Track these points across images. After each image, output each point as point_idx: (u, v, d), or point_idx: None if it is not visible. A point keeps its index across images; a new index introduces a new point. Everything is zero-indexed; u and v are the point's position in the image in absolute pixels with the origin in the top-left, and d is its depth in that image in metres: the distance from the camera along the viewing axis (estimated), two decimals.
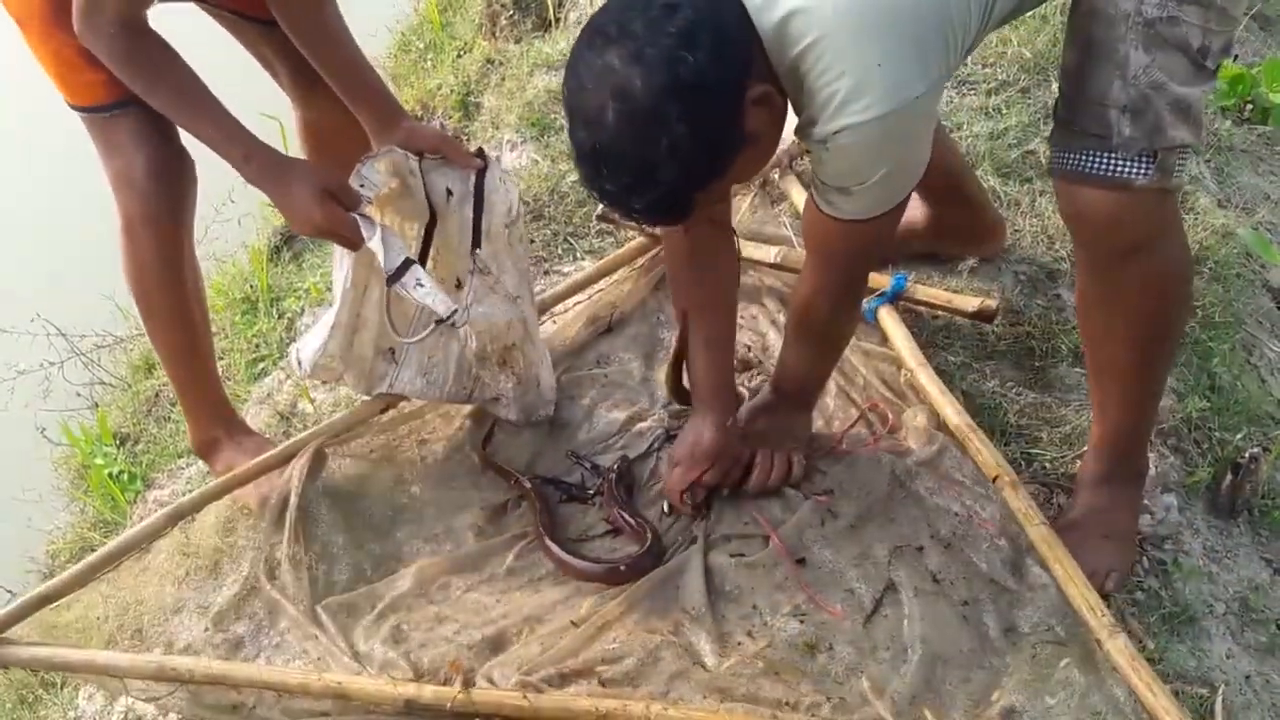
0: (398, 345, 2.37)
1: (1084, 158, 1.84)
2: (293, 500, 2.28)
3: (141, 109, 2.15)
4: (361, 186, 2.16)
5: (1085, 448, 2.29)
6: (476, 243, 2.29)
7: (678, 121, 1.64)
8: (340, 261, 2.27)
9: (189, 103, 2.06)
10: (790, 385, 2.28)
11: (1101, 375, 2.09)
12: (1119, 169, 1.81)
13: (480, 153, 2.30)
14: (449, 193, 2.30)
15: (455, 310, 2.14)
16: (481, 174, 2.29)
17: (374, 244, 2.09)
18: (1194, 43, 1.77)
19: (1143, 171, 1.80)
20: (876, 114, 1.67)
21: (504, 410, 2.45)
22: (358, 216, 2.10)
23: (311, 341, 2.34)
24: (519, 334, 2.34)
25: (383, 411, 2.50)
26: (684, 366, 2.36)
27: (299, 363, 2.37)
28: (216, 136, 2.05)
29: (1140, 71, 1.76)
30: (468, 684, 1.92)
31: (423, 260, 2.31)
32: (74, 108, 2.24)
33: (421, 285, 2.10)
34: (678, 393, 2.41)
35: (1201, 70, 1.80)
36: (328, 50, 2.30)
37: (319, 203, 2.05)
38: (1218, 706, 1.94)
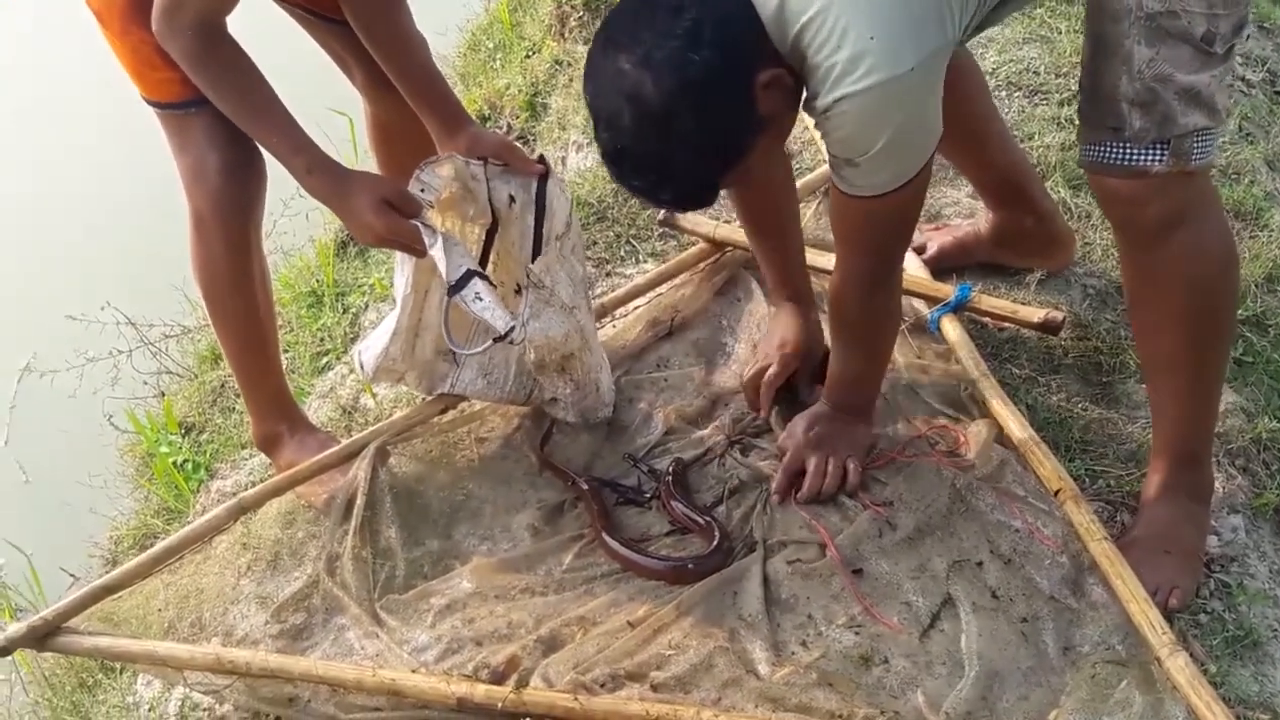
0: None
1: (1103, 149, 1.89)
2: (359, 500, 2.31)
3: (215, 107, 2.18)
4: (421, 191, 2.19)
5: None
6: (538, 250, 2.31)
7: (691, 119, 1.75)
8: (401, 265, 2.29)
9: (257, 111, 2.10)
10: (839, 390, 2.28)
11: (1153, 370, 2.09)
12: (1135, 158, 1.86)
13: (542, 160, 2.31)
14: (511, 199, 2.31)
15: (512, 327, 2.15)
16: (543, 182, 2.30)
17: (435, 252, 2.11)
18: (1197, 31, 1.80)
19: (1158, 159, 1.86)
20: (871, 83, 1.72)
21: (562, 412, 2.45)
22: (420, 225, 2.12)
23: (374, 345, 2.36)
24: (576, 343, 2.33)
25: (442, 412, 2.52)
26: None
27: (361, 365, 2.40)
28: (281, 146, 2.10)
29: (1145, 66, 1.81)
30: (522, 684, 1.93)
31: (483, 262, 2.33)
32: (149, 102, 2.28)
33: (481, 299, 2.12)
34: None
35: (1210, 56, 1.83)
36: (397, 54, 2.34)
37: (378, 213, 2.08)
38: None
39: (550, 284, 2.24)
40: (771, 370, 2.36)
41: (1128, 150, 1.86)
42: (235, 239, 2.33)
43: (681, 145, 1.77)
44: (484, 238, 2.36)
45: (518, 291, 2.33)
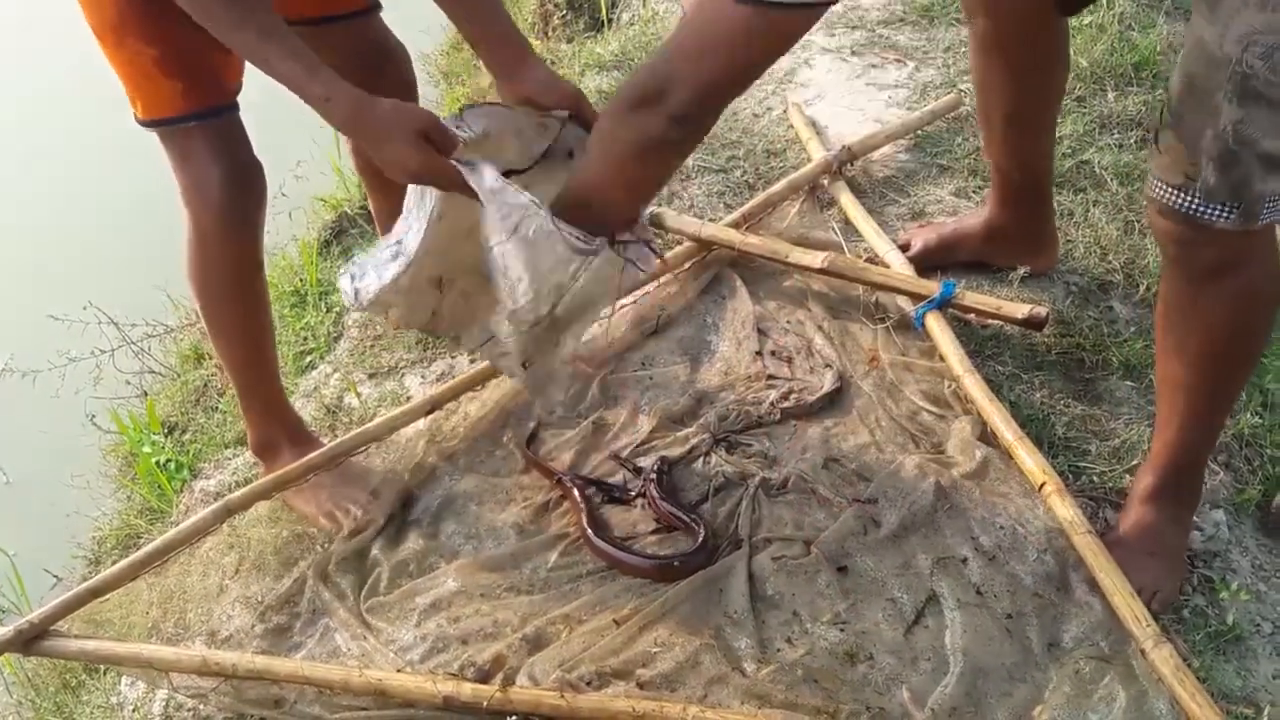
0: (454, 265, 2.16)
1: (1169, 192, 1.81)
2: (370, 534, 2.31)
3: (216, 120, 2.16)
4: (458, 129, 2.00)
5: (1135, 462, 2.27)
6: None
7: None
8: (423, 196, 2.08)
9: (262, 33, 1.91)
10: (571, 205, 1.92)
11: (1169, 390, 2.05)
12: (1203, 212, 1.78)
13: None
14: (570, 155, 2.14)
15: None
16: None
17: (487, 181, 1.92)
18: None
19: (1225, 216, 1.77)
20: None
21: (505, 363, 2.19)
22: (457, 163, 1.93)
23: (376, 276, 2.13)
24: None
25: (428, 413, 2.52)
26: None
27: (355, 294, 2.16)
28: (293, 72, 1.90)
29: (1231, 125, 1.70)
30: (508, 682, 1.93)
31: None
32: (147, 123, 2.19)
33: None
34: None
35: None
36: None
37: (417, 148, 1.91)
38: None
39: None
40: None
41: (1197, 202, 1.78)
42: (240, 254, 2.29)
43: None
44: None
45: None
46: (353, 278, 2.16)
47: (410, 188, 2.11)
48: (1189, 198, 1.78)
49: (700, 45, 1.70)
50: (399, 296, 2.14)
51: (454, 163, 1.93)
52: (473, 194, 1.92)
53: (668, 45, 1.76)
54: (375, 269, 2.13)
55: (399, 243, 2.11)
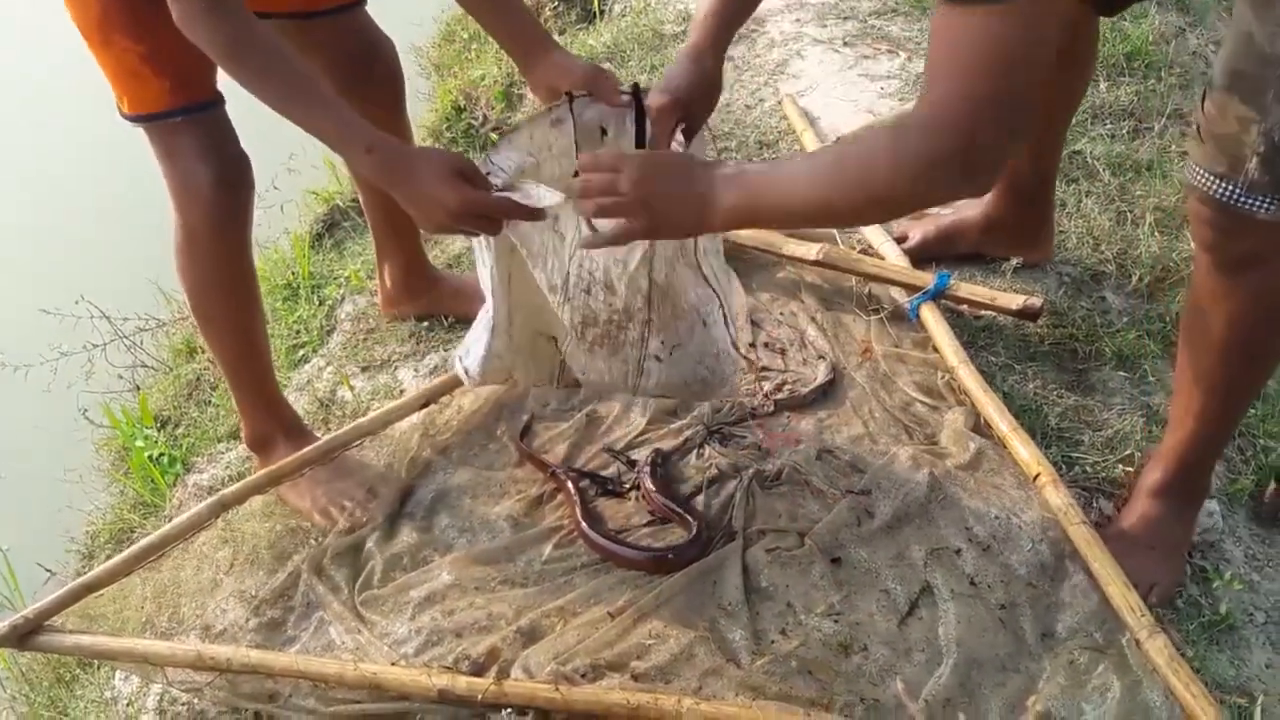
0: (559, 328, 2.17)
1: (1210, 180, 1.79)
2: (370, 545, 2.30)
3: (203, 115, 2.15)
4: (489, 174, 1.96)
5: (1127, 452, 2.28)
6: None
7: None
8: (482, 255, 2.09)
9: (299, 93, 1.90)
10: (752, 180, 1.71)
11: (1188, 383, 2.04)
12: (1243, 202, 1.76)
13: (635, 89, 2.08)
14: (603, 131, 2.12)
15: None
16: (641, 112, 2.07)
17: (538, 197, 1.87)
18: None
19: (1266, 207, 1.75)
20: None
21: (679, 379, 2.18)
22: (504, 193, 1.89)
23: (475, 348, 2.22)
24: (639, 254, 2.03)
25: (422, 406, 2.51)
26: None
27: (465, 372, 2.25)
28: (332, 127, 1.89)
29: (1278, 125, 1.69)
30: (503, 675, 1.93)
31: None
32: (133, 119, 2.18)
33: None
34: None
35: None
36: None
37: (453, 186, 1.84)
38: (1257, 716, 1.91)
39: None
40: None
41: (1237, 192, 1.75)
42: (230, 251, 2.28)
43: None
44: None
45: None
46: (460, 359, 2.24)
47: (476, 259, 2.11)
48: (1231, 187, 1.77)
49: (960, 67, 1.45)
50: (508, 358, 2.19)
51: (501, 192, 1.89)
52: (528, 214, 1.89)
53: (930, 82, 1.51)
54: (475, 343, 2.20)
55: (489, 312, 2.14)
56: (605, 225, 1.83)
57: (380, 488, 2.39)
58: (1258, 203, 1.76)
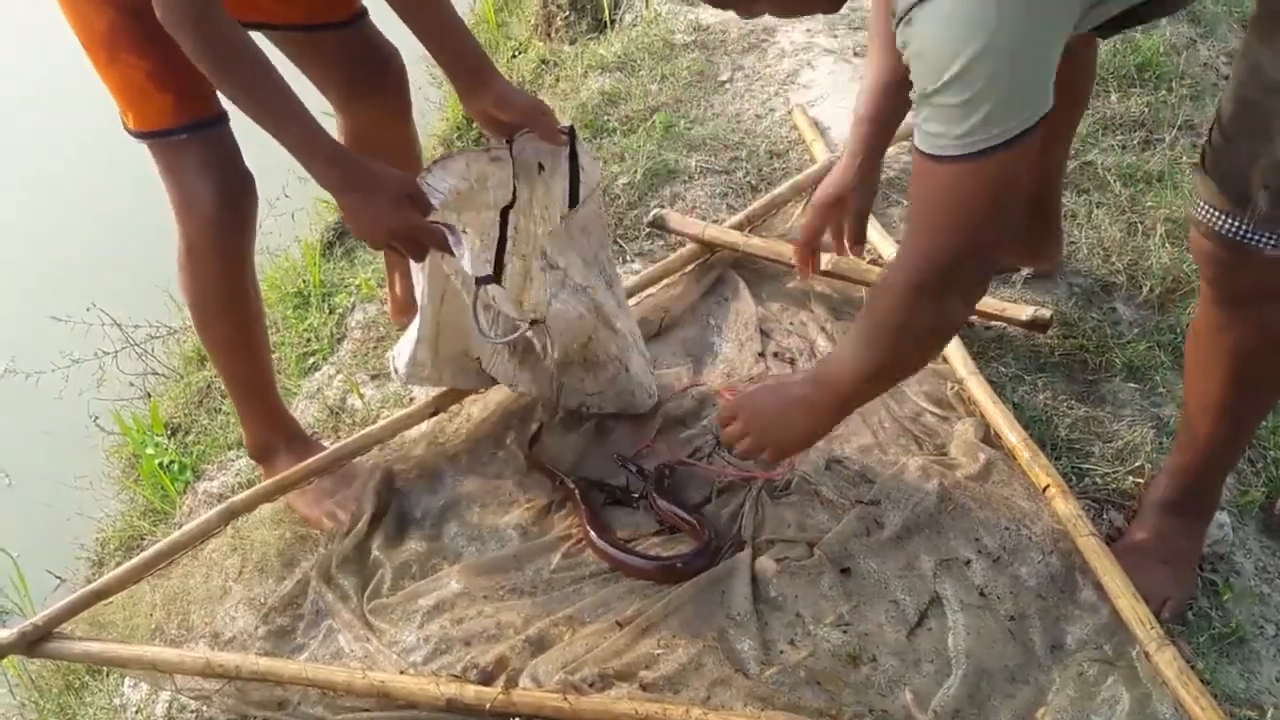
0: (483, 349, 2.37)
1: (1216, 215, 1.77)
2: (363, 524, 2.32)
3: (207, 133, 2.16)
4: (426, 192, 2.11)
5: (1137, 464, 2.27)
6: None
7: None
8: (419, 270, 2.22)
9: (274, 100, 1.96)
10: (819, 380, 1.95)
11: (1195, 408, 2.03)
12: (1249, 238, 1.75)
13: (570, 130, 2.21)
14: (540, 167, 2.23)
15: (534, 318, 2.14)
16: (574, 152, 2.20)
17: (458, 250, 2.05)
18: None
19: (1273, 244, 1.74)
20: None
21: (597, 407, 2.45)
22: (441, 225, 2.04)
23: (403, 351, 2.37)
24: (591, 324, 2.26)
25: (432, 414, 2.52)
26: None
27: (395, 371, 2.43)
28: (300, 136, 1.97)
29: None
30: (511, 684, 1.93)
31: (501, 242, 2.29)
32: (138, 135, 2.20)
33: (495, 303, 2.12)
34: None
35: None
36: (417, 7, 2.22)
37: (398, 207, 2.00)
38: None
39: (564, 265, 2.18)
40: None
41: (1243, 228, 1.74)
42: (230, 265, 2.29)
43: None
44: (500, 220, 2.29)
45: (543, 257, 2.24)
46: (393, 358, 2.43)
47: (413, 270, 2.27)
48: (1237, 223, 1.75)
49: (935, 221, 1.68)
50: (431, 369, 2.41)
51: (438, 225, 2.03)
52: (452, 255, 2.06)
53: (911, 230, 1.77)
54: (404, 348, 2.39)
55: (417, 323, 2.32)
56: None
57: (368, 481, 2.40)
58: (1264, 239, 1.74)
